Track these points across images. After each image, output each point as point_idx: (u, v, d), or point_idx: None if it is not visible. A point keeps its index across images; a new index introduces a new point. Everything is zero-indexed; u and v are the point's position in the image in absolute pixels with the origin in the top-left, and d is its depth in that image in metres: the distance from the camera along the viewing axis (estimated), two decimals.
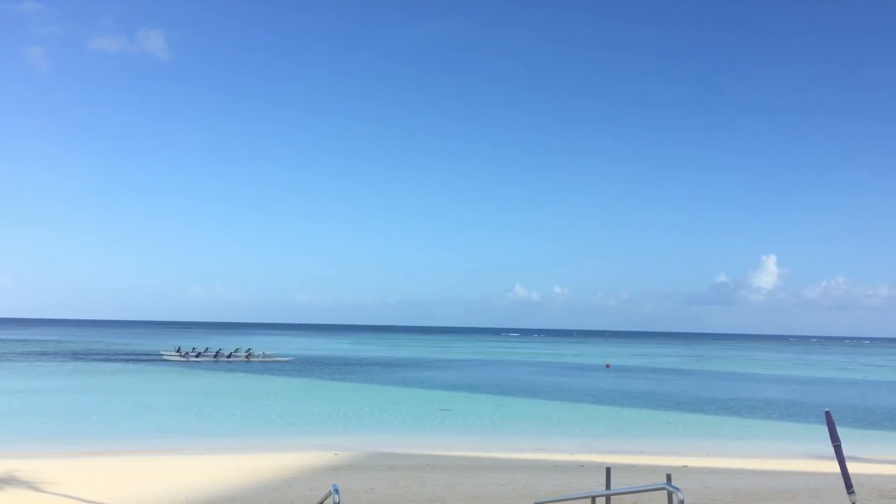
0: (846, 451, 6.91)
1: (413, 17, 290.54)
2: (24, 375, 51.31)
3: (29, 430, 27.03)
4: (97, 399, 36.98)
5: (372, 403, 37.29)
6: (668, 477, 9.29)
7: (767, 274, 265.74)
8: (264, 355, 73.60)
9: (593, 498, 10.42)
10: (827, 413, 6.97)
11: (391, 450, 23.01)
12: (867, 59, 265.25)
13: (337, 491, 7.18)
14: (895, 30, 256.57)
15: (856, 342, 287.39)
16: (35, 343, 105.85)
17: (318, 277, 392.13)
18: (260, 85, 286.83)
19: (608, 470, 11.14)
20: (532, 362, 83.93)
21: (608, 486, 10.97)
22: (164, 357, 73.20)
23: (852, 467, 7.56)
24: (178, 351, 75.86)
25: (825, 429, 6.95)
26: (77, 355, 77.12)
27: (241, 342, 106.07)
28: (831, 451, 6.81)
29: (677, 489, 6.23)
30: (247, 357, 71.94)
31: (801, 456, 23.69)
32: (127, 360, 69.97)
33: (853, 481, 6.75)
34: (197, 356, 71.96)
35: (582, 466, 19.76)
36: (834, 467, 7.65)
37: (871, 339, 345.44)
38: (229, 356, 72.20)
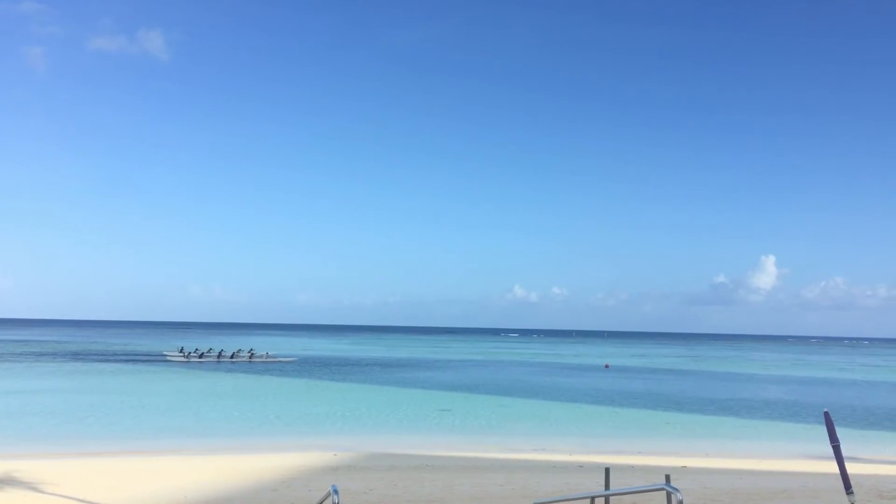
0: (845, 452, 6.91)
1: (412, 18, 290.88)
2: (23, 376, 51.26)
3: (27, 430, 27.00)
4: (96, 399, 36.94)
5: (371, 404, 37.27)
6: (667, 477, 9.29)
7: (766, 274, 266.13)
8: (267, 356, 73.46)
9: (592, 498, 10.42)
10: (826, 413, 6.97)
11: (390, 450, 23.00)
12: (867, 59, 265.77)
13: (336, 491, 7.18)
14: (895, 30, 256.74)
15: (855, 342, 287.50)
16: (34, 343, 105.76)
17: (317, 278, 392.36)
18: (259, 85, 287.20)
19: (607, 470, 11.14)
20: (531, 363, 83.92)
21: (607, 486, 10.97)
22: (168, 357, 73.08)
23: (851, 468, 7.55)
24: (181, 351, 75.62)
25: (824, 429, 6.94)
26: (76, 356, 77.06)
27: (241, 342, 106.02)
28: (830, 451, 6.80)
29: (676, 489, 6.23)
30: (250, 357, 71.76)
31: (800, 456, 23.68)
32: (127, 361, 69.92)
33: (852, 482, 6.75)
34: (200, 357, 71.74)
35: (581, 467, 19.75)
36: (833, 468, 7.65)
37: (870, 340, 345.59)
38: (232, 356, 71.97)
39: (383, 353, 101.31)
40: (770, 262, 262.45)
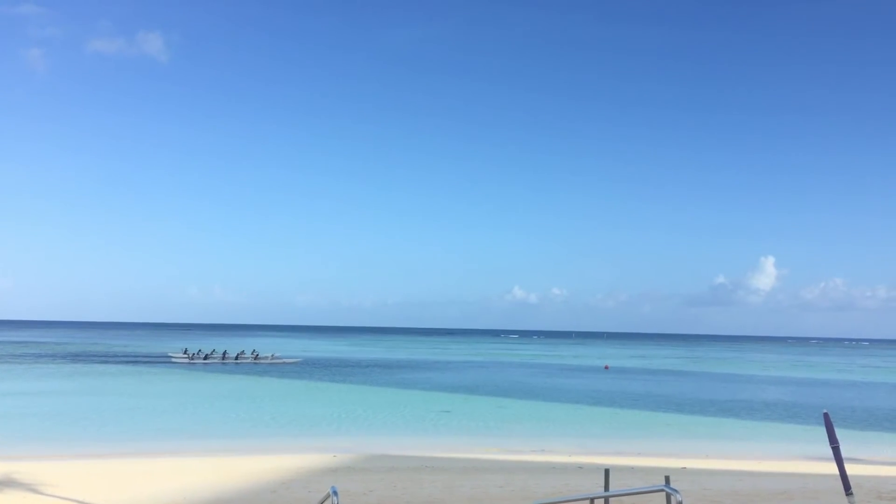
0: (845, 453, 6.90)
1: (412, 18, 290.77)
2: (22, 377, 51.23)
3: (27, 431, 27.00)
4: (95, 401, 36.92)
5: (370, 405, 37.25)
6: (667, 478, 9.29)
7: (766, 275, 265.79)
8: (273, 357, 73.37)
9: (592, 500, 10.40)
10: (825, 415, 6.97)
11: (390, 451, 22.99)
12: (867, 59, 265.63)
13: (335, 493, 7.18)
14: (895, 30, 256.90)
15: (854, 343, 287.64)
16: (34, 345, 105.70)
17: (316, 279, 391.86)
18: (258, 86, 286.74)
19: (607, 471, 11.14)
20: (530, 364, 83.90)
21: (606, 487, 10.97)
22: (172, 359, 72.86)
23: (851, 469, 7.55)
24: (186, 353, 75.38)
25: (824, 430, 6.94)
26: (76, 357, 77.02)
27: (241, 344, 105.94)
28: (830, 452, 6.80)
29: (676, 491, 6.23)
30: (255, 359, 71.54)
31: (799, 457, 23.68)
32: (128, 362, 69.88)
33: (852, 483, 6.75)
34: (204, 358, 71.41)
35: (580, 468, 19.75)
36: (832, 469, 7.65)
37: (870, 341, 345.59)
38: (237, 358, 71.68)
39: (383, 354, 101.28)
40: (769, 263, 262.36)
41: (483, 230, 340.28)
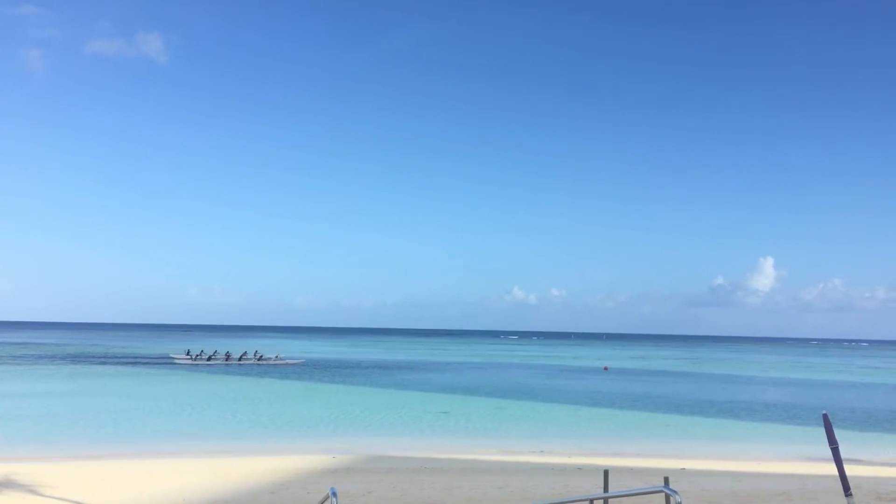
0: (844, 454, 6.90)
1: (411, 20, 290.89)
2: (21, 378, 51.19)
3: (26, 433, 26.97)
4: (94, 402, 36.91)
5: (369, 406, 37.26)
6: (666, 479, 9.30)
7: (765, 276, 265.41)
8: (277, 358, 73.33)
9: (591, 500, 10.41)
10: (824, 415, 6.96)
11: (389, 453, 22.98)
12: (867, 59, 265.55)
13: (335, 494, 7.18)
14: (895, 30, 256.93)
15: (854, 344, 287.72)
16: (33, 346, 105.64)
17: (315, 280, 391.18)
18: (258, 87, 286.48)
19: (606, 472, 11.15)
20: (530, 365, 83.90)
21: (606, 488, 10.98)
22: (175, 360, 72.71)
23: (850, 470, 7.55)
24: (188, 354, 75.15)
25: (823, 431, 6.94)
26: (75, 358, 76.97)
27: (242, 345, 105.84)
28: (829, 453, 6.79)
29: (675, 492, 6.24)
30: (258, 360, 71.43)
31: (798, 458, 23.69)
32: (128, 363, 69.84)
33: (851, 484, 6.75)
34: (208, 359, 71.11)
35: (579, 469, 19.75)
36: (832, 470, 7.65)
37: (869, 342, 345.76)
38: (240, 359, 71.47)
39: (382, 355, 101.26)
40: (769, 264, 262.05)
41: (482, 231, 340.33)
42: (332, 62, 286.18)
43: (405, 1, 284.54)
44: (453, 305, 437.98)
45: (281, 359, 73.44)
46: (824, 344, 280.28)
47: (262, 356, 72.75)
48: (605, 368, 77.42)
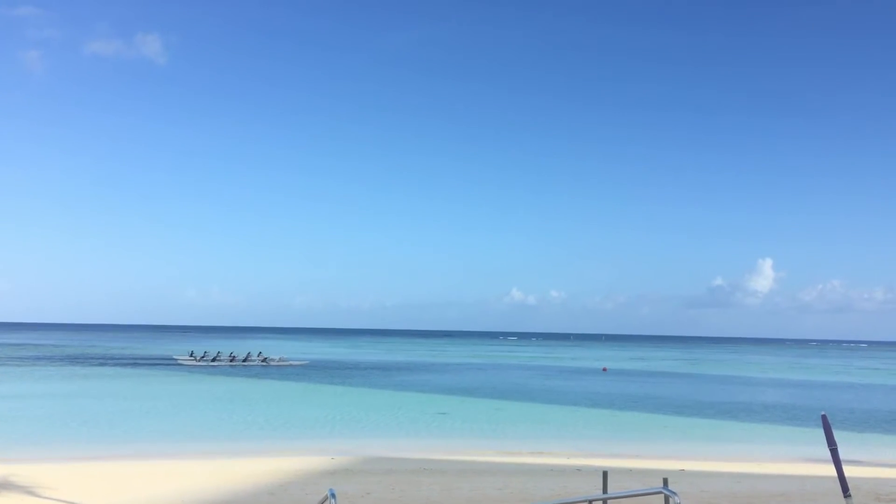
0: (843, 455, 6.90)
1: (411, 20, 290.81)
2: (21, 379, 51.13)
3: (25, 434, 26.93)
4: (93, 403, 36.87)
5: (368, 407, 37.23)
6: (665, 481, 9.30)
7: (764, 277, 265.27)
8: (281, 359, 73.22)
9: (590, 502, 10.40)
10: (823, 416, 6.97)
11: (388, 454, 22.96)
12: (867, 60, 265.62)
13: (333, 495, 7.17)
14: (895, 30, 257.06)
15: (853, 345, 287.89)
16: (32, 347, 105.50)
17: (315, 280, 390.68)
18: (257, 88, 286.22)
19: (605, 473, 11.15)
20: (529, 366, 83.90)
21: (605, 489, 10.97)
22: (178, 361, 72.52)
23: (849, 471, 7.55)
24: (192, 355, 74.95)
25: (822, 432, 6.94)
26: (75, 359, 76.89)
27: (243, 345, 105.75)
28: (828, 454, 6.79)
29: (674, 493, 6.23)
30: (262, 361, 71.22)
31: (797, 459, 23.68)
32: (130, 365, 69.75)
33: (850, 485, 6.75)
34: (212, 360, 70.82)
35: (578, 470, 19.74)
36: (831, 471, 7.65)
37: (868, 343, 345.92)
38: (245, 360, 71.22)
39: (381, 356, 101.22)
40: (767, 265, 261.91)
41: (482, 232, 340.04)
42: (332, 62, 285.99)
43: (405, 1, 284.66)
44: (452, 306, 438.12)
45: (285, 360, 73.40)
46: (823, 345, 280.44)
47: (266, 357, 72.65)
48: (604, 369, 77.41)
